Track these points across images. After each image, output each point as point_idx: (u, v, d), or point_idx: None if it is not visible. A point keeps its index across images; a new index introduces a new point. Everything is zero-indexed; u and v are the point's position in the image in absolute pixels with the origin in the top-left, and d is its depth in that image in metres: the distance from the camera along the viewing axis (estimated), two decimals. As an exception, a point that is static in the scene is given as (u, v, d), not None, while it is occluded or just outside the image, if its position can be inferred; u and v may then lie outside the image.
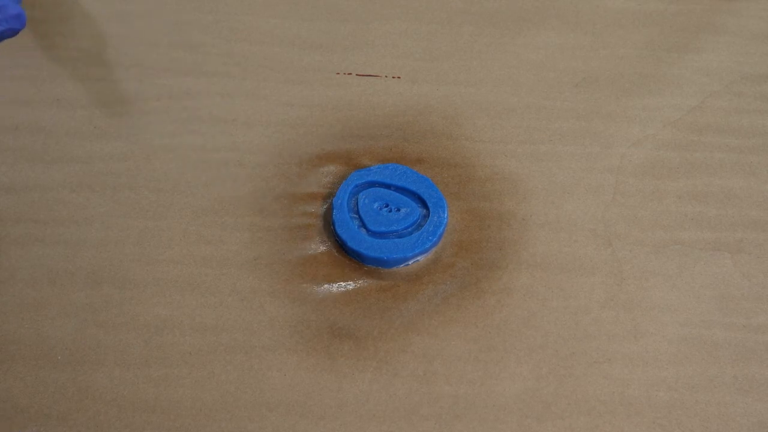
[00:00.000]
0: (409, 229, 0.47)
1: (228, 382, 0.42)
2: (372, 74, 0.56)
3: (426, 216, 0.47)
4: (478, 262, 0.47)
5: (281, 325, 0.44)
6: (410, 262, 0.46)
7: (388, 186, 0.48)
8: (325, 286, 0.46)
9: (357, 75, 0.56)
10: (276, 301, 0.45)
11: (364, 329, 0.44)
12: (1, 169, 0.50)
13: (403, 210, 0.47)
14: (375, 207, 0.47)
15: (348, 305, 0.45)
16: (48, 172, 0.50)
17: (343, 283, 0.46)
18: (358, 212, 0.47)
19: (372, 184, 0.48)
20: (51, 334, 0.43)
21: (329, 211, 0.48)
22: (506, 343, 0.43)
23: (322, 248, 0.47)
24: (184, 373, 0.42)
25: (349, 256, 0.46)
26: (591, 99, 0.55)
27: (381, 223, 0.46)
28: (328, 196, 0.49)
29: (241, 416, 0.40)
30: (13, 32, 0.42)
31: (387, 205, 0.47)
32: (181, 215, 0.48)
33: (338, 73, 0.56)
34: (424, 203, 0.47)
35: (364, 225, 0.46)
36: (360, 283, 0.46)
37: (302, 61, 0.57)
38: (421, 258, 0.46)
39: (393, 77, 0.56)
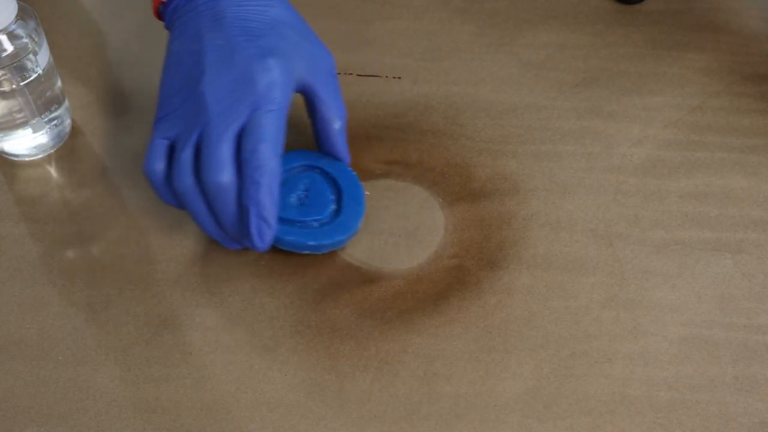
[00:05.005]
0: (321, 219, 0.46)
1: (228, 382, 0.42)
2: (373, 74, 0.56)
3: (337, 211, 0.46)
4: (479, 262, 0.47)
5: (282, 325, 0.44)
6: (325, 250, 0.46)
7: (314, 168, 0.47)
8: (326, 286, 0.46)
9: (358, 75, 0.56)
10: (276, 301, 0.45)
11: (364, 329, 0.44)
12: (2, 169, 0.50)
13: (317, 202, 0.46)
14: (292, 195, 0.46)
15: (348, 305, 0.45)
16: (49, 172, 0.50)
17: (344, 284, 0.46)
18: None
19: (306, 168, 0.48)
20: (52, 334, 0.43)
21: None
22: (507, 344, 0.43)
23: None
24: (184, 373, 0.42)
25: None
26: (591, 99, 0.55)
27: (292, 212, 0.46)
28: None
29: (241, 416, 0.40)
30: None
31: (306, 191, 0.46)
32: (183, 214, 0.48)
33: (338, 73, 0.56)
34: (340, 196, 0.46)
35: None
36: (360, 283, 0.46)
37: (303, 60, 0.56)
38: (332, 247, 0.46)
39: (394, 77, 0.56)
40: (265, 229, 0.40)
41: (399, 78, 0.56)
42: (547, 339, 0.44)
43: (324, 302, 0.45)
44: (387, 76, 0.56)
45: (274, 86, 0.42)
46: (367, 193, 0.49)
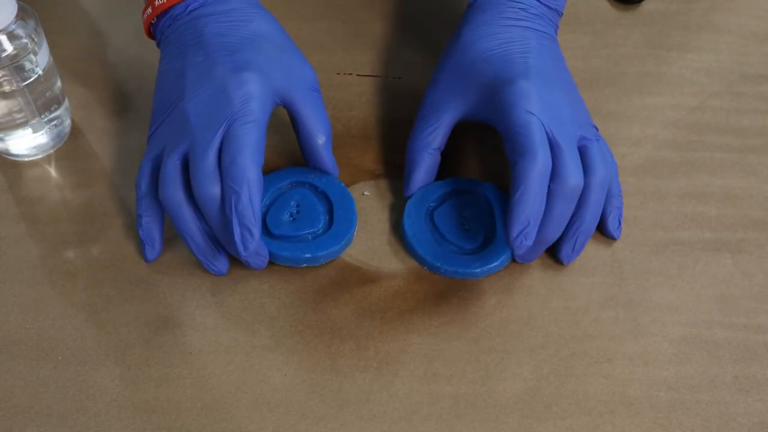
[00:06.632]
0: (315, 232, 0.46)
1: (228, 382, 0.42)
2: (373, 74, 0.56)
3: (330, 222, 0.47)
4: (479, 262, 0.47)
5: (282, 325, 0.44)
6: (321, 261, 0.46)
7: (305, 184, 0.48)
8: (326, 286, 0.46)
9: (358, 75, 0.56)
10: (276, 301, 0.45)
11: (364, 329, 0.44)
12: (2, 169, 0.50)
13: (309, 216, 0.46)
14: (284, 212, 0.47)
15: (348, 305, 0.45)
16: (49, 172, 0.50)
17: (344, 284, 0.46)
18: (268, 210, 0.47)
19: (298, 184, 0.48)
20: (52, 334, 0.43)
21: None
22: (507, 344, 0.44)
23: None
24: (184, 373, 0.42)
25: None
26: (591, 98, 0.55)
27: (285, 228, 0.46)
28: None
29: (241, 416, 0.40)
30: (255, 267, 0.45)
31: (297, 206, 0.47)
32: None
33: (338, 73, 0.56)
34: (330, 207, 0.47)
35: (266, 227, 0.46)
36: (360, 283, 0.46)
37: (302, 61, 0.56)
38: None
39: (394, 77, 0.56)
40: (248, 237, 0.41)
41: (399, 78, 0.56)
42: (547, 339, 0.44)
43: (324, 302, 0.45)
44: (387, 76, 0.56)
45: (251, 99, 0.43)
46: (366, 193, 0.49)
